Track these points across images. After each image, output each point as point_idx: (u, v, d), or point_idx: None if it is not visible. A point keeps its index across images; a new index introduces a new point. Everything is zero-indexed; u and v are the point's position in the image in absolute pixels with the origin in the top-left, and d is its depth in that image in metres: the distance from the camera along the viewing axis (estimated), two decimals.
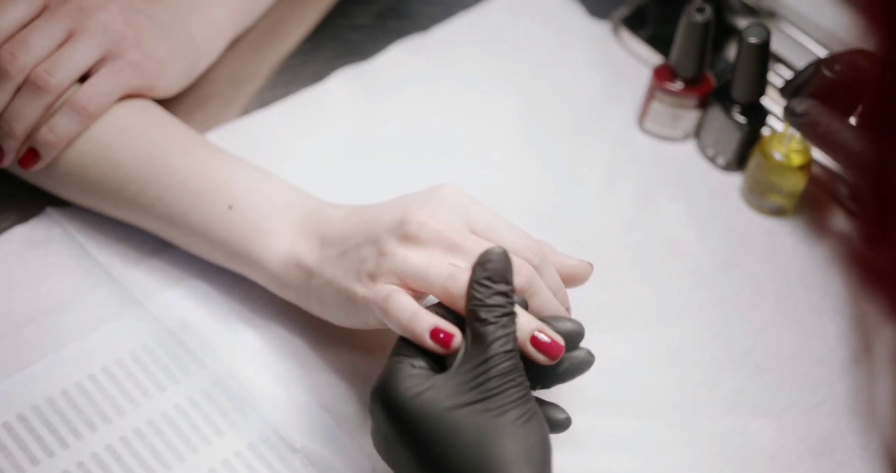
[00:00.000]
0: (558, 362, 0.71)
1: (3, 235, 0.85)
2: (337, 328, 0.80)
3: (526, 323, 0.70)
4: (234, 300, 0.84)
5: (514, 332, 0.68)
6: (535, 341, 0.70)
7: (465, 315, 0.69)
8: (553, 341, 0.70)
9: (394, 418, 0.68)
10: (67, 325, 0.81)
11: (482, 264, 0.69)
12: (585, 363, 0.73)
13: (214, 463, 0.77)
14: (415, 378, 0.68)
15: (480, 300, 0.68)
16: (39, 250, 0.85)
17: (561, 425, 0.72)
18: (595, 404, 0.82)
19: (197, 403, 0.79)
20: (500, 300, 0.68)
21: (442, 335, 0.69)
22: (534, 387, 0.71)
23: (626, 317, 0.87)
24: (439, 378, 0.68)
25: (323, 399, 0.80)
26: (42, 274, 0.84)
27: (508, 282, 0.69)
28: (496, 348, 0.67)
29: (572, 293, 0.78)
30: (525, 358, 0.70)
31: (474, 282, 0.69)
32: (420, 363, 0.69)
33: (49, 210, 0.86)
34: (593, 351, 0.77)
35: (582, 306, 0.80)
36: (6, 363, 0.79)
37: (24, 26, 0.81)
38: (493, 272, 0.68)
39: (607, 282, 0.87)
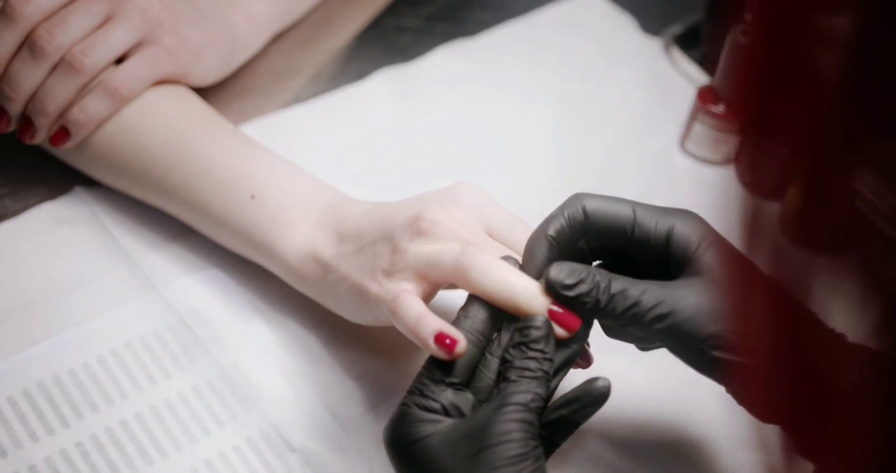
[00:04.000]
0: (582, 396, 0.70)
1: (30, 210, 0.87)
2: (351, 327, 0.79)
3: (542, 298, 0.68)
4: (250, 292, 0.84)
5: (536, 393, 0.66)
6: (551, 313, 0.68)
7: (499, 374, 0.68)
8: (567, 311, 0.68)
9: (395, 459, 0.68)
10: (81, 304, 0.82)
11: (521, 329, 0.68)
12: (602, 394, 0.70)
13: (211, 455, 0.77)
14: (418, 424, 0.67)
15: (510, 361, 0.67)
16: (64, 228, 0.86)
17: (602, 392, 0.69)
18: (609, 427, 0.81)
19: (200, 393, 0.79)
20: (530, 364, 0.67)
21: (447, 341, 0.68)
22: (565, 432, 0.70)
23: None
24: (446, 425, 0.66)
25: (328, 399, 0.80)
26: (64, 252, 0.85)
27: (545, 351, 0.67)
28: (511, 399, 0.66)
29: None
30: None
31: (509, 345, 0.68)
32: (430, 403, 0.67)
33: (78, 189, 0.87)
34: (610, 374, 0.76)
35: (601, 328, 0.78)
36: (17, 338, 0.80)
37: (64, 6, 0.81)
38: (528, 341, 0.67)
39: None
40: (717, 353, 0.67)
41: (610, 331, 0.72)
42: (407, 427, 0.67)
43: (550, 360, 0.67)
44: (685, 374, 0.83)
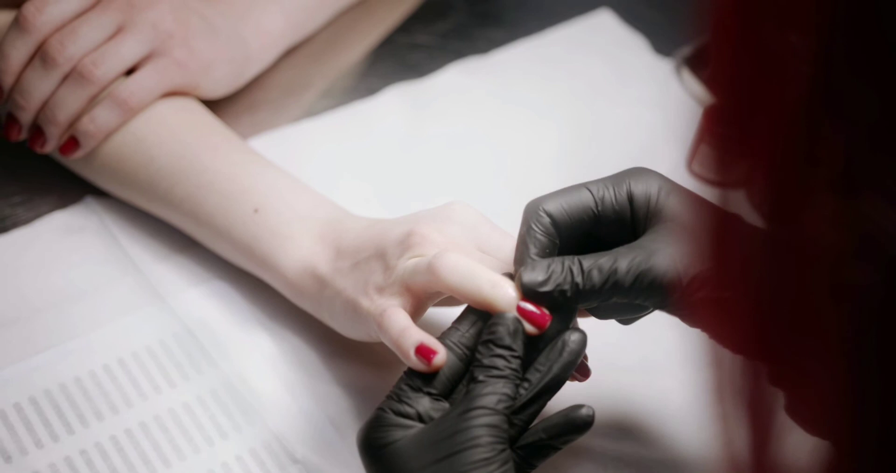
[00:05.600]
0: (561, 350, 0.68)
1: (41, 219, 0.87)
2: (354, 342, 0.79)
3: (511, 292, 0.68)
4: (255, 305, 0.84)
5: (503, 394, 0.66)
6: (519, 309, 0.67)
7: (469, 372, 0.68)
8: (537, 307, 0.67)
9: (366, 462, 0.68)
10: (88, 313, 0.83)
11: (490, 325, 0.68)
12: (581, 341, 0.68)
13: (214, 465, 0.77)
14: (390, 429, 0.67)
15: (479, 360, 0.67)
16: (74, 237, 0.86)
17: (585, 421, 0.68)
18: (605, 448, 0.80)
19: (204, 403, 0.80)
20: (497, 362, 0.66)
21: (429, 354, 0.68)
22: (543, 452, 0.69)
23: (651, 361, 0.85)
24: (415, 430, 0.66)
25: (330, 412, 0.80)
26: (73, 261, 0.85)
27: (512, 348, 0.67)
28: (478, 402, 0.65)
29: (597, 332, 0.76)
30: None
31: (479, 343, 0.68)
32: (405, 409, 0.67)
33: (88, 199, 0.88)
34: (613, 393, 0.76)
35: (606, 345, 0.78)
36: (24, 345, 0.81)
37: (76, 17, 0.82)
38: (495, 338, 0.67)
39: (637, 324, 0.85)
40: (701, 294, 0.67)
41: (597, 312, 0.72)
42: (379, 431, 0.67)
43: (519, 357, 0.67)
44: (695, 394, 0.83)
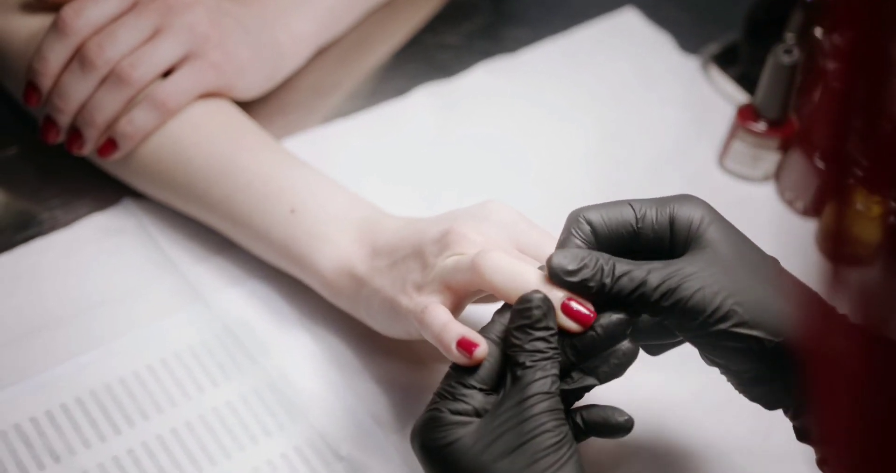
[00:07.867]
0: (608, 357, 0.69)
1: (80, 221, 0.88)
2: (392, 340, 0.80)
3: (557, 292, 0.68)
4: (293, 305, 0.84)
5: (553, 375, 0.66)
6: (565, 307, 0.68)
7: (508, 358, 0.68)
8: (584, 306, 0.68)
9: (427, 465, 0.68)
10: (130, 314, 0.83)
11: (520, 311, 0.67)
12: (631, 354, 0.69)
13: (259, 463, 0.78)
14: (448, 427, 0.66)
15: (519, 345, 0.67)
16: (113, 239, 0.87)
17: (622, 427, 0.69)
18: (644, 442, 0.81)
19: (248, 402, 0.80)
20: (539, 345, 0.67)
21: (472, 347, 0.68)
22: (583, 389, 0.69)
23: (686, 356, 0.85)
24: (474, 426, 0.66)
25: (373, 409, 0.80)
26: (112, 263, 0.86)
27: (549, 327, 0.67)
28: (534, 389, 0.66)
29: None
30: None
31: (512, 329, 0.67)
32: (462, 406, 0.67)
33: (126, 201, 0.88)
34: (648, 389, 0.76)
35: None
36: (69, 346, 0.81)
37: (114, 20, 0.83)
38: (532, 321, 0.67)
39: None
40: (721, 326, 0.67)
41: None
42: (438, 431, 0.67)
43: (556, 333, 0.67)
44: (730, 388, 0.84)
